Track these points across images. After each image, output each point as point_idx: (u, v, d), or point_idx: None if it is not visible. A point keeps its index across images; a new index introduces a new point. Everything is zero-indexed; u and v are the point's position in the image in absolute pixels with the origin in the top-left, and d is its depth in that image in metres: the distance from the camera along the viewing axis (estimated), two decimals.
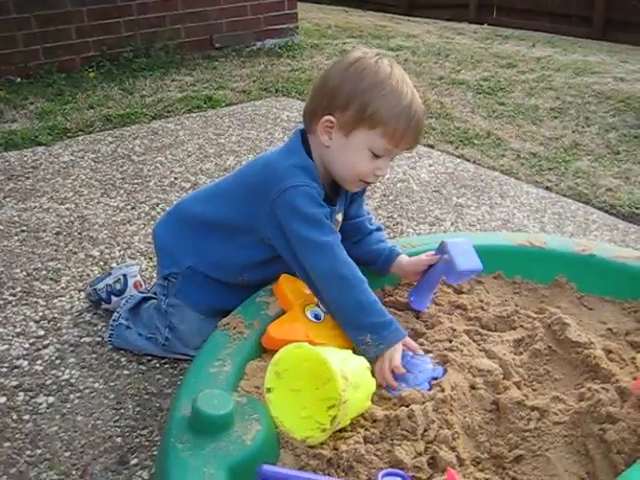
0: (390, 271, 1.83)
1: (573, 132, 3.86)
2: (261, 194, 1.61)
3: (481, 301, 1.81)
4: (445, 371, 1.49)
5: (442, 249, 1.71)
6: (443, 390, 1.41)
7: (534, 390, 1.50)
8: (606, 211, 2.88)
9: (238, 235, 1.71)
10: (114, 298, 2.04)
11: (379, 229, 1.90)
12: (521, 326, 1.71)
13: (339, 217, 1.78)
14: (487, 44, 6.41)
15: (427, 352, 1.57)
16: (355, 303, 1.53)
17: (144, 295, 2.01)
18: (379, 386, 1.47)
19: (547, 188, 3.10)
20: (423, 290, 1.76)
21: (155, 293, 1.94)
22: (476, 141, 3.65)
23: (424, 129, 1.67)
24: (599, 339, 1.63)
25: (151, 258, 2.40)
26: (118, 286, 2.05)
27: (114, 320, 1.94)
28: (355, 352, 1.49)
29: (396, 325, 1.53)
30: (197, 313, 1.81)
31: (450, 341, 1.60)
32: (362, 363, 1.41)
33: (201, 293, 1.79)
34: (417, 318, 1.74)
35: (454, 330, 1.65)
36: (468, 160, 3.39)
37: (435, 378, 1.47)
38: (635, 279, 1.83)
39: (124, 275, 2.07)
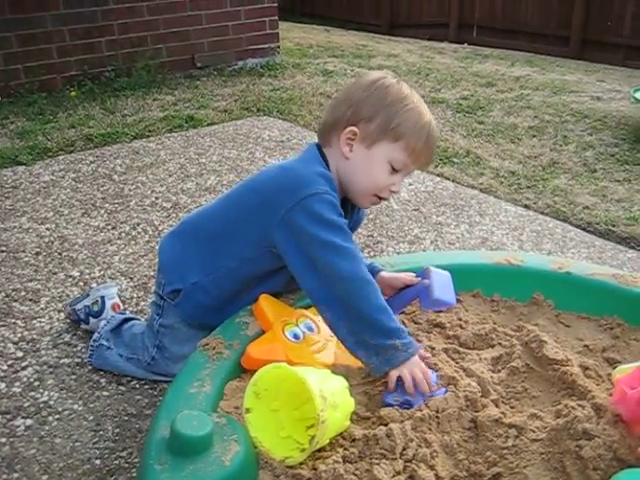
0: None
1: (551, 150, 3.91)
2: (276, 199, 1.58)
3: (460, 319, 1.82)
4: (445, 392, 1.49)
5: (424, 274, 1.73)
6: (421, 409, 1.42)
7: (512, 408, 1.51)
8: (583, 229, 2.92)
9: (243, 247, 1.67)
10: (92, 319, 2.03)
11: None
12: (499, 344, 1.72)
13: None
14: (467, 63, 6.49)
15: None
16: (381, 306, 1.52)
17: (125, 316, 2.01)
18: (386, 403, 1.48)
19: (525, 206, 3.14)
20: (391, 307, 1.77)
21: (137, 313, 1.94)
22: (455, 160, 3.69)
23: (434, 155, 1.75)
24: (576, 356, 1.65)
25: (131, 278, 2.40)
26: (96, 308, 2.04)
27: (94, 341, 1.93)
28: (369, 369, 1.52)
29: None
30: (193, 331, 1.77)
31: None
32: (341, 382, 1.41)
33: (200, 311, 1.76)
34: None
35: (433, 348, 1.66)
36: (447, 179, 3.43)
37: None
38: (611, 296, 1.86)
39: (102, 297, 2.06)
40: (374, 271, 1.82)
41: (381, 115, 1.61)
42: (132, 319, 2.00)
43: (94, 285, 2.33)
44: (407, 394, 1.47)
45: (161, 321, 1.81)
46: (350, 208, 1.76)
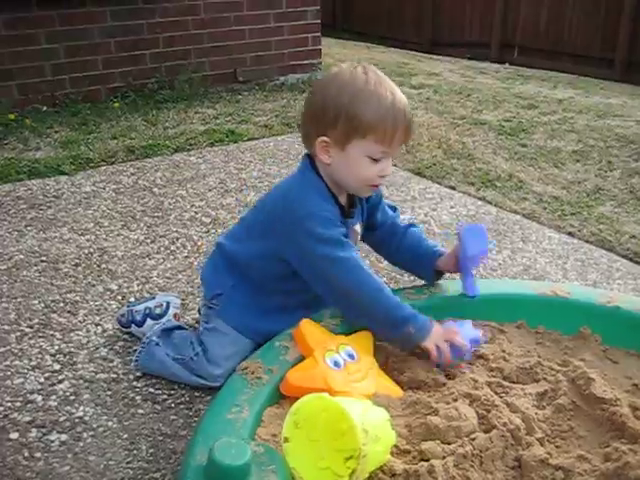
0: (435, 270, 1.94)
1: (596, 176, 3.83)
2: (279, 221, 1.71)
3: (503, 351, 1.77)
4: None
5: (458, 235, 1.87)
6: (464, 445, 1.38)
7: (557, 447, 1.46)
8: (630, 259, 2.83)
9: (271, 266, 1.79)
10: (149, 321, 2.05)
11: (412, 225, 1.97)
12: (544, 379, 1.66)
13: (357, 228, 1.86)
14: (509, 84, 6.43)
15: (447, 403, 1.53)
16: (389, 305, 1.62)
17: (180, 324, 2.07)
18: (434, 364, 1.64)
19: (570, 233, 3.06)
20: (465, 275, 1.90)
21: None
22: (498, 183, 3.63)
23: (412, 127, 1.73)
24: (625, 395, 1.59)
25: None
26: (158, 311, 2.07)
27: (147, 337, 1.96)
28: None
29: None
30: (235, 332, 1.84)
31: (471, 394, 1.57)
32: (383, 415, 1.38)
33: (242, 312, 1.85)
34: (437, 367, 1.71)
35: (476, 381, 1.62)
36: (490, 202, 3.36)
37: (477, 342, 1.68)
38: None
39: (167, 302, 2.10)
40: (434, 255, 1.92)
41: (342, 117, 1.62)
42: (185, 329, 2.05)
43: (132, 299, 2.32)
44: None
45: (206, 326, 1.89)
46: (358, 198, 1.84)
